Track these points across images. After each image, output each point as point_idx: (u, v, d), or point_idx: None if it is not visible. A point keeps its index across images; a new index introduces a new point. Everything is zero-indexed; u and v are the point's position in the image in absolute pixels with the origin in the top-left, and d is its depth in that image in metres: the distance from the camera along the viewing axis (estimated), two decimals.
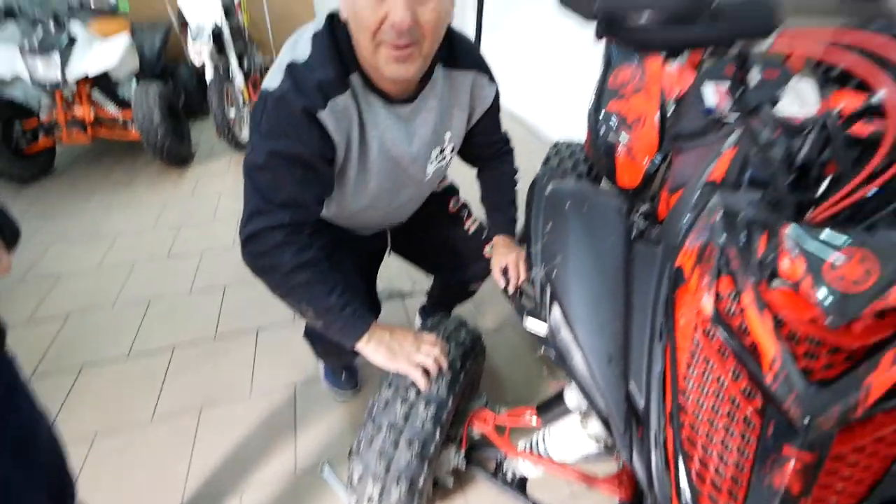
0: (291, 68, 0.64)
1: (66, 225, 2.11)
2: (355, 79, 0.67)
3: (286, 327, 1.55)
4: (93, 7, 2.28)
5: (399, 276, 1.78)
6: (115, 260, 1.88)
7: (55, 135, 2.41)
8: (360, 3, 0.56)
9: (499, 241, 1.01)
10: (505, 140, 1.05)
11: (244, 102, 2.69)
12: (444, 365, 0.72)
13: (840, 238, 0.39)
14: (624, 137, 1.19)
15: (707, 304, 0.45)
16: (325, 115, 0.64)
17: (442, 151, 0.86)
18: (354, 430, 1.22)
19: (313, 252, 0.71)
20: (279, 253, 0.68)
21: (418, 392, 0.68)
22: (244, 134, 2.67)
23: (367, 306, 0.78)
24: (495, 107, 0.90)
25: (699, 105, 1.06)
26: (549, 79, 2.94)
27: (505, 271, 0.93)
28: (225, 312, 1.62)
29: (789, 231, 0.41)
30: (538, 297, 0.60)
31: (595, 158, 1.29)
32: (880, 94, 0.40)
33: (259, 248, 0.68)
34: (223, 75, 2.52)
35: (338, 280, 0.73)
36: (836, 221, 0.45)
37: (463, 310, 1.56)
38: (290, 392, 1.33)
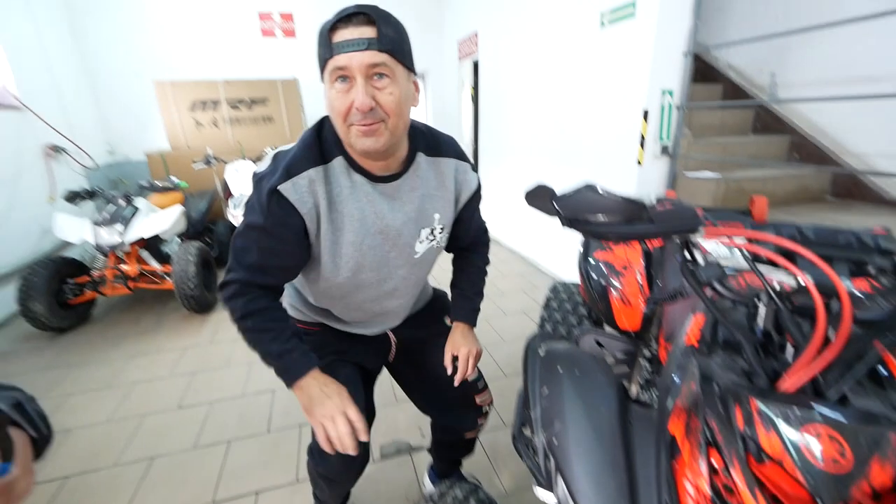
0: (276, 156, 0.80)
1: (92, 374, 2.16)
2: (339, 161, 0.79)
3: (287, 487, 1.45)
4: (160, 186, 2.77)
5: (408, 428, 1.71)
6: (127, 412, 1.87)
7: (98, 289, 2.65)
8: (332, 95, 0.71)
9: (458, 327, 1.05)
10: (484, 230, 1.12)
11: None
12: (348, 444, 0.76)
13: (807, 414, 0.42)
14: (615, 283, 1.29)
15: (703, 482, 0.45)
16: (286, 189, 0.74)
17: (432, 232, 0.92)
18: None
19: (264, 302, 0.82)
20: (233, 301, 0.81)
21: None
22: None
23: (310, 357, 0.84)
24: (478, 193, 0.98)
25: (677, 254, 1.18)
26: (545, 218, 3.25)
27: (455, 359, 0.98)
28: (226, 471, 1.53)
29: (759, 406, 0.44)
30: (542, 466, 0.60)
31: (591, 302, 1.37)
32: (801, 278, 0.48)
33: (224, 295, 0.82)
34: None
35: (284, 328, 0.83)
36: (806, 389, 0.49)
37: (478, 465, 1.46)
38: None
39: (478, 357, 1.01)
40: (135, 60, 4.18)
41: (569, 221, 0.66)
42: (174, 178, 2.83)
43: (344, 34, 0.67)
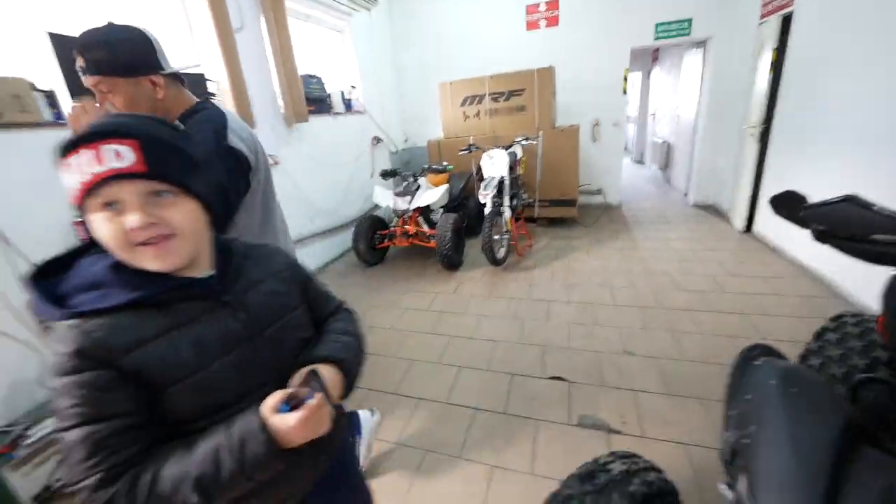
0: None
1: (382, 297, 3.17)
2: None
3: (498, 414, 1.79)
4: (435, 168, 3.60)
5: (609, 412, 1.77)
6: (401, 326, 2.68)
7: (392, 240, 3.75)
8: None
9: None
10: None
11: (506, 230, 3.43)
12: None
13: None
14: None
15: None
16: None
17: None
18: None
19: None
20: None
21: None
22: (501, 253, 3.37)
23: None
24: None
25: None
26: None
27: None
28: (456, 387, 2.02)
29: None
30: (727, 461, 0.62)
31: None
32: None
33: None
34: (496, 210, 3.34)
35: None
36: None
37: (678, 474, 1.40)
38: None
39: None
40: (427, 68, 5.38)
41: (821, 235, 0.61)
42: (444, 162, 3.62)
43: None
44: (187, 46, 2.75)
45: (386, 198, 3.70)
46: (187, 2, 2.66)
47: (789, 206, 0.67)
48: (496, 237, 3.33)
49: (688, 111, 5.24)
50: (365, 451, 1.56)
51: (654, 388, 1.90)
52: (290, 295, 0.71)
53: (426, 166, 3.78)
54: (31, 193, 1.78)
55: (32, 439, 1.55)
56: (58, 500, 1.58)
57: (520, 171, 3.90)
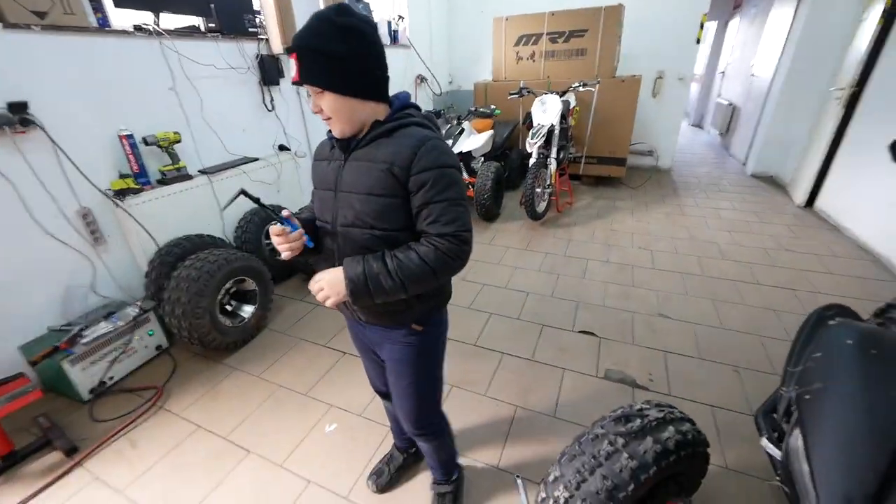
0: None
1: None
2: None
3: (523, 360, 1.85)
4: (481, 112, 3.45)
5: (640, 369, 1.79)
6: None
7: None
8: None
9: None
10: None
11: (549, 184, 3.32)
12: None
13: None
14: None
15: None
16: None
17: None
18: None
19: None
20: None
21: (625, 444, 0.79)
22: (541, 207, 3.28)
23: None
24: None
25: None
26: None
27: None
28: (485, 332, 2.08)
29: None
30: (780, 416, 0.62)
31: None
32: None
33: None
34: (542, 161, 3.21)
35: None
36: None
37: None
38: None
39: None
40: (482, 2, 4.97)
41: None
42: (492, 106, 3.45)
43: None
44: None
45: None
46: None
47: None
48: (538, 190, 3.24)
49: (765, 70, 4.70)
50: None
51: (686, 350, 1.90)
52: (377, 184, 0.80)
53: (472, 109, 3.62)
54: (80, 101, 1.84)
55: (88, 339, 1.73)
56: (110, 394, 1.79)
57: (571, 122, 3.69)
